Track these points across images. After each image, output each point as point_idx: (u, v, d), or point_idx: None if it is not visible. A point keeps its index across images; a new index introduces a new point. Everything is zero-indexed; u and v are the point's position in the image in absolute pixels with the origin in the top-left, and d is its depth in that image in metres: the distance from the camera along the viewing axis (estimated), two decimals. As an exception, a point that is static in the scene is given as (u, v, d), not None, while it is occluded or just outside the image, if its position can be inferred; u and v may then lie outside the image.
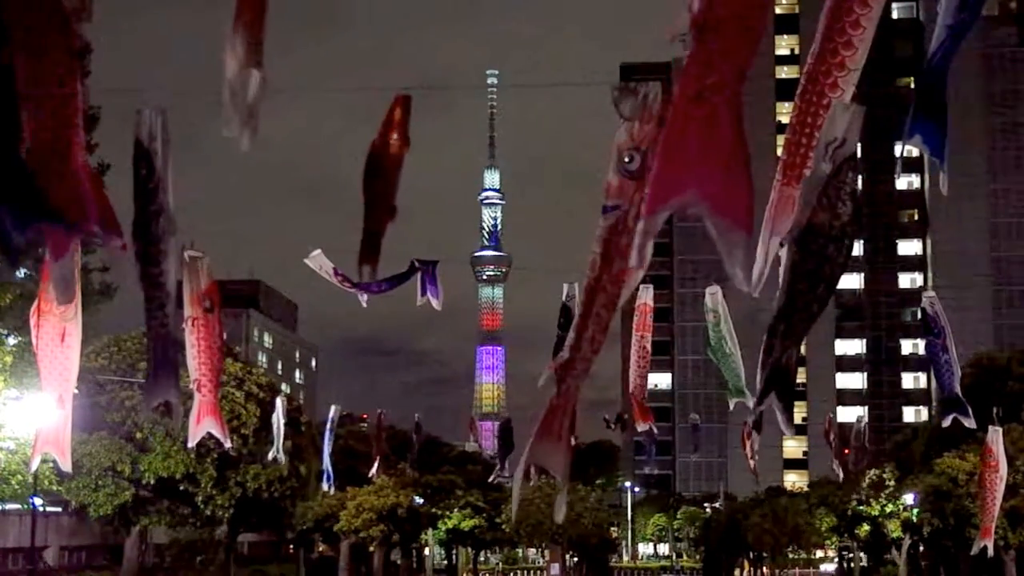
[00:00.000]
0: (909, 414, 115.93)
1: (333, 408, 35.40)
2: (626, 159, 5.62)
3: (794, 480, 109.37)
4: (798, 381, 6.67)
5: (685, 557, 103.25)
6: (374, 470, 45.81)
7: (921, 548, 61.64)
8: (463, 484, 69.03)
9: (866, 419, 55.08)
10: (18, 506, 44.39)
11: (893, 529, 58.85)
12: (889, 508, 58.74)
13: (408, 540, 67.27)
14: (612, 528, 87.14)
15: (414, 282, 12.59)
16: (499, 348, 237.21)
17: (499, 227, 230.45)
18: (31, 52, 6.08)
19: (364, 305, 11.72)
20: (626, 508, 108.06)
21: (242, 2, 6.58)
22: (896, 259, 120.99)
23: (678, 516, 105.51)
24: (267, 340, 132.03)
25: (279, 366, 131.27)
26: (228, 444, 13.78)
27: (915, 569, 63.58)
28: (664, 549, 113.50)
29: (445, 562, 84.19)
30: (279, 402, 34.87)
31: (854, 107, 5.63)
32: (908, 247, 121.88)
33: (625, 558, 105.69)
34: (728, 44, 5.22)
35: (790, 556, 76.17)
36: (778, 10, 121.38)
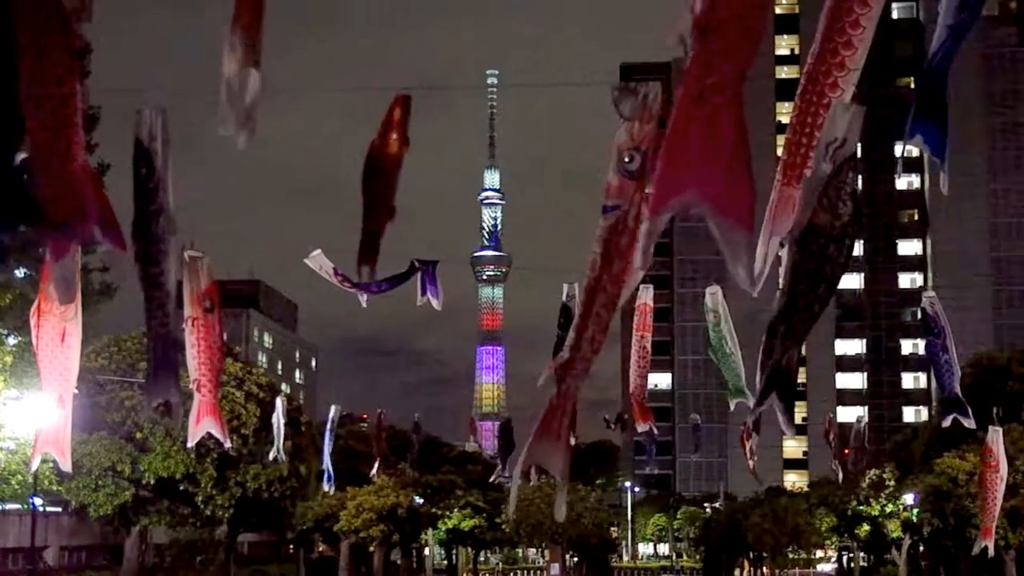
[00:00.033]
0: (909, 414, 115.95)
1: (333, 408, 35.39)
2: (626, 159, 5.62)
3: (794, 480, 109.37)
4: (798, 381, 6.67)
5: (685, 557, 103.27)
6: (375, 470, 45.87)
7: (921, 548, 61.66)
8: (463, 484, 69.04)
9: (866, 419, 55.10)
10: (18, 506, 44.40)
11: (893, 529, 58.86)
12: (889, 508, 58.75)
13: (408, 540, 67.28)
14: (612, 528, 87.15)
15: (414, 282, 12.58)
16: (499, 348, 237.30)
17: (499, 227, 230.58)
18: (31, 52, 6.08)
19: (364, 305, 11.71)
20: (626, 508, 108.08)
21: (240, 2, 6.58)
22: (896, 259, 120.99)
23: (678, 516, 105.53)
24: (267, 340, 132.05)
25: (279, 366, 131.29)
26: (228, 444, 13.79)
27: (915, 569, 63.58)
28: (664, 549, 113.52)
29: (445, 562, 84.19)
30: (279, 402, 34.87)
31: (854, 107, 5.63)
32: (908, 247, 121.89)
33: (625, 558, 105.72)
34: (729, 44, 5.23)
35: (790, 556, 76.15)
36: (778, 10, 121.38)
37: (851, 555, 73.62)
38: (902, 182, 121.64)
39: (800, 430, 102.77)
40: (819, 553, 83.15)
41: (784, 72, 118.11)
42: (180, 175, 7.33)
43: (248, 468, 45.50)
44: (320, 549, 72.44)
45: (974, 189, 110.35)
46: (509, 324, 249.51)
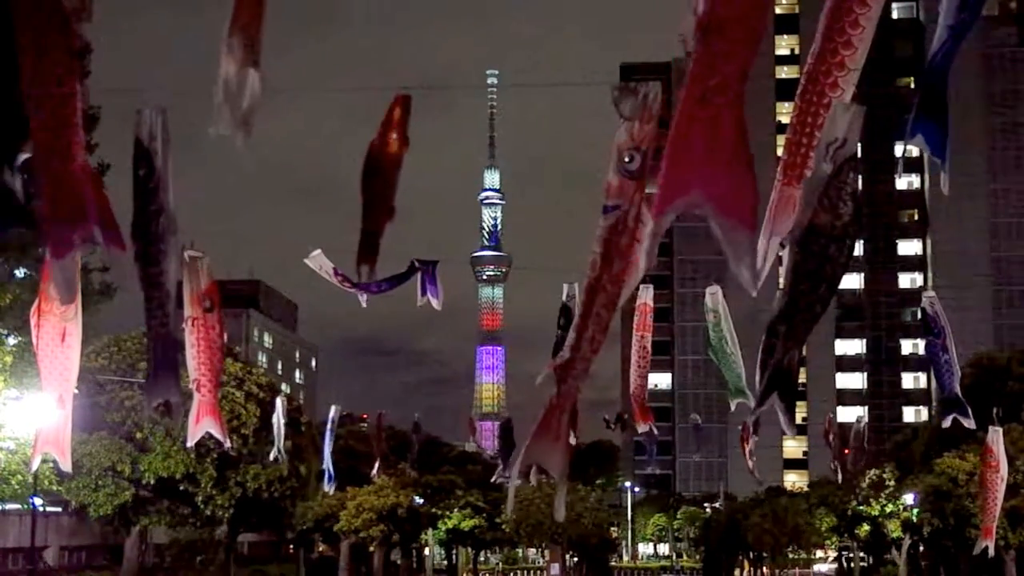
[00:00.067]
0: (909, 414, 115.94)
1: (333, 408, 35.38)
2: (626, 159, 5.62)
3: (794, 480, 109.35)
4: (799, 381, 6.67)
5: (685, 557, 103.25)
6: (375, 470, 45.89)
7: (921, 548, 61.64)
8: (463, 484, 69.04)
9: (866, 419, 55.14)
10: (18, 506, 44.39)
11: (893, 529, 58.85)
12: (889, 508, 58.74)
13: (408, 540, 67.28)
14: (612, 528, 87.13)
15: (414, 282, 12.57)
16: (499, 348, 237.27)
17: (499, 227, 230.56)
18: (31, 52, 6.08)
19: (364, 305, 11.70)
20: (626, 508, 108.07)
21: (239, 2, 6.57)
22: (896, 259, 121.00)
23: (678, 516, 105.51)
24: (267, 340, 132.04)
25: (279, 366, 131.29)
26: (227, 444, 13.80)
27: (915, 569, 63.57)
28: (664, 549, 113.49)
29: (445, 562, 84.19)
30: (279, 402, 34.89)
31: (854, 107, 5.63)
32: (908, 247, 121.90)
33: (625, 558, 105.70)
34: (730, 45, 5.23)
35: (790, 556, 76.14)
36: (778, 10, 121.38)
37: (851, 555, 73.58)
38: (902, 182, 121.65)
39: (800, 430, 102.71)
40: (819, 553, 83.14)
41: (784, 72, 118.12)
42: (180, 175, 7.33)
43: (248, 468, 45.49)
44: (320, 549, 72.44)
45: (974, 189, 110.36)
46: (509, 324, 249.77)
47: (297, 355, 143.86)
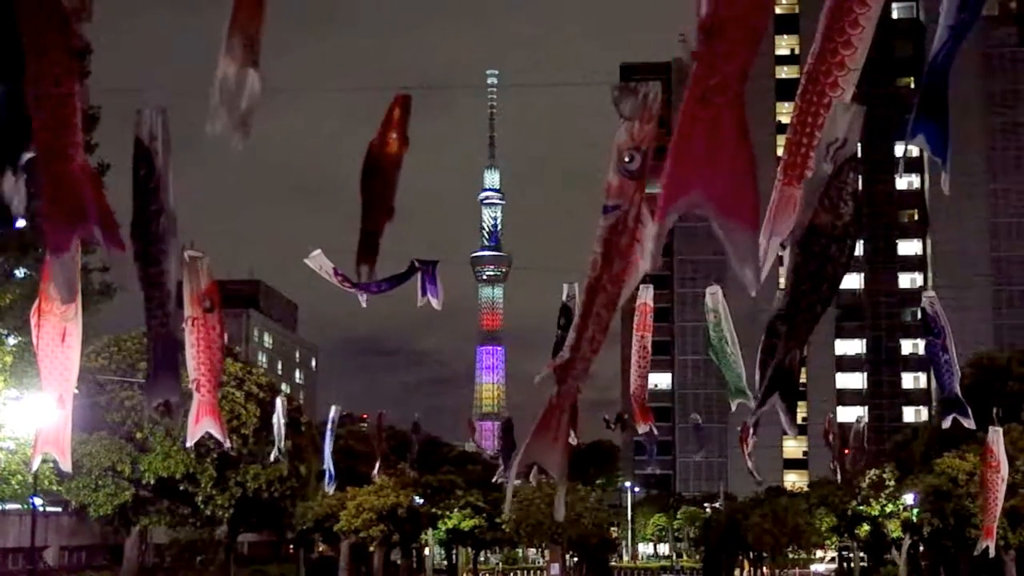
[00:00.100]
0: (909, 414, 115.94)
1: (333, 408, 35.37)
2: (626, 159, 5.61)
3: (794, 480, 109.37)
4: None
5: (685, 557, 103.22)
6: (376, 470, 45.89)
7: (921, 548, 61.65)
8: (463, 484, 69.04)
9: (866, 419, 55.15)
10: (18, 506, 44.40)
11: (893, 529, 58.85)
12: (889, 508, 58.74)
13: (408, 540, 67.28)
14: (612, 528, 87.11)
15: (414, 282, 12.56)
16: (499, 348, 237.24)
17: (499, 227, 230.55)
18: (30, 52, 6.08)
19: (364, 305, 11.69)
20: (626, 508, 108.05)
21: (239, 1, 6.56)
22: (896, 259, 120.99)
23: (678, 516, 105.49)
24: (267, 340, 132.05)
25: (279, 366, 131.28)
26: (227, 444, 13.79)
27: (915, 569, 63.57)
28: (664, 549, 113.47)
29: (445, 562, 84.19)
30: (279, 402, 34.89)
31: (855, 107, 5.63)
32: (908, 247, 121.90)
33: (625, 558, 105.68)
34: (731, 46, 5.23)
35: (790, 556, 76.14)
36: (778, 10, 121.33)
37: (851, 555, 73.57)
38: (902, 182, 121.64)
39: (800, 430, 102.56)
40: (819, 553, 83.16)
41: (784, 72, 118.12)
42: (180, 175, 7.32)
43: (248, 468, 45.49)
44: (320, 549, 72.44)
45: (974, 189, 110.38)
46: (509, 324, 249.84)
47: (297, 355, 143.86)
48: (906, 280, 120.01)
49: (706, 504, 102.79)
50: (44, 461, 19.67)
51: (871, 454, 56.02)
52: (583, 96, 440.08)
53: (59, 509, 51.41)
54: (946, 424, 14.69)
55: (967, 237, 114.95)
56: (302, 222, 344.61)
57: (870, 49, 6.06)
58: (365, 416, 78.67)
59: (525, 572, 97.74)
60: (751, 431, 29.30)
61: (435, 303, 12.66)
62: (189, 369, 10.05)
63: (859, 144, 5.69)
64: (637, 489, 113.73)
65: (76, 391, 9.29)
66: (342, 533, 58.60)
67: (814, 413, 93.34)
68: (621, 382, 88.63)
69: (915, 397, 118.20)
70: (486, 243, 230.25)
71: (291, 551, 71.22)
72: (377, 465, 44.56)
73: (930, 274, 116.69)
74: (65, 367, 8.73)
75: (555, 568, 70.93)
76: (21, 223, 6.69)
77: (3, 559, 49.05)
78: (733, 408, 15.06)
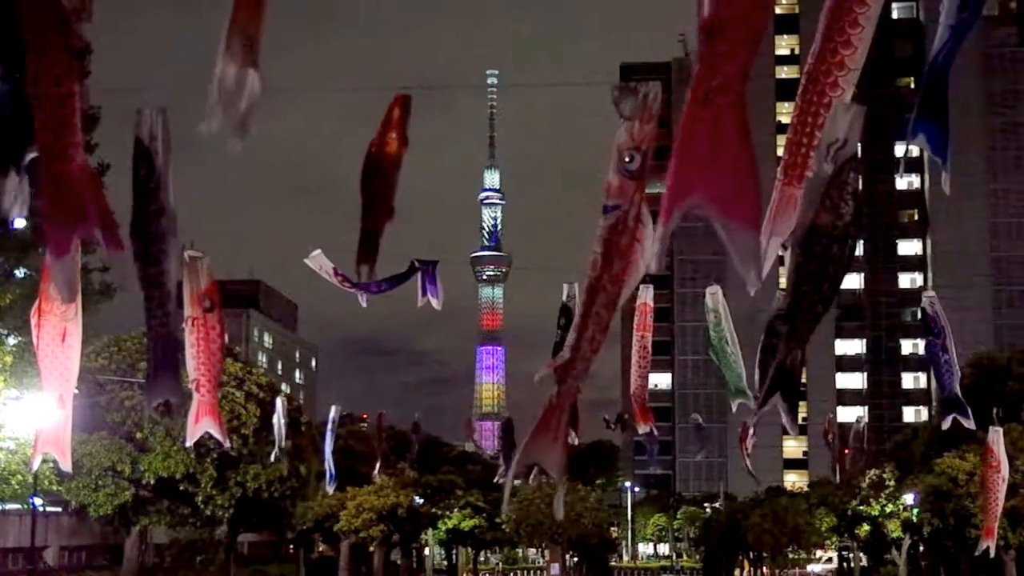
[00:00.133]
0: (909, 414, 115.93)
1: (333, 408, 35.37)
2: (626, 159, 5.61)
3: (794, 480, 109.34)
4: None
5: (685, 557, 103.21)
6: (376, 470, 45.89)
7: (921, 548, 61.62)
8: (463, 484, 69.03)
9: (866, 419, 55.13)
10: (18, 506, 44.39)
11: (893, 529, 58.82)
12: (889, 508, 58.70)
13: (408, 540, 67.26)
14: (612, 528, 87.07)
15: (414, 282, 12.56)
16: (499, 348, 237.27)
17: (499, 227, 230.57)
18: (30, 51, 6.07)
19: (364, 305, 11.69)
20: (626, 508, 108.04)
21: (239, 1, 6.55)
22: (896, 259, 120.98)
23: (678, 516, 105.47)
24: (267, 340, 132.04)
25: (279, 366, 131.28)
26: (227, 444, 13.78)
27: (915, 569, 63.55)
28: (664, 549, 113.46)
29: (445, 562, 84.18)
30: (279, 402, 34.90)
31: (855, 108, 5.63)
32: (908, 247, 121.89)
33: (625, 558, 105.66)
34: (732, 46, 5.23)
35: (790, 556, 76.11)
36: (778, 10, 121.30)
37: (851, 555, 73.56)
38: (902, 182, 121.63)
39: (800, 430, 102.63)
40: (819, 553, 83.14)
41: (784, 72, 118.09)
42: (180, 175, 7.32)
43: (248, 468, 45.48)
44: (320, 549, 72.43)
45: (974, 189, 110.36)
46: (509, 324, 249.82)
47: (297, 355, 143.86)
48: (906, 280, 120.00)
49: (706, 504, 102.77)
50: (44, 461, 19.66)
51: (871, 454, 56.00)
52: (583, 96, 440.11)
53: (59, 509, 51.40)
54: (946, 424, 14.69)
55: (967, 237, 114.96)
56: (302, 222, 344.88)
57: (870, 49, 6.06)
58: (365, 416, 78.66)
59: (525, 572, 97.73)
60: (751, 431, 29.33)
61: (435, 303, 12.66)
62: (189, 369, 10.05)
63: (859, 144, 5.69)
64: (637, 489, 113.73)
65: (76, 391, 9.28)
66: (342, 533, 58.58)
67: (814, 413, 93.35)
68: (621, 382, 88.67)
69: (915, 397, 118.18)
70: (486, 243, 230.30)
71: (291, 551, 71.20)
72: (377, 465, 44.58)
73: (930, 274, 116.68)
74: (65, 367, 8.73)
75: (555, 568, 70.92)
76: (21, 223, 6.70)
77: (3, 559, 49.05)
78: (733, 408, 15.06)
